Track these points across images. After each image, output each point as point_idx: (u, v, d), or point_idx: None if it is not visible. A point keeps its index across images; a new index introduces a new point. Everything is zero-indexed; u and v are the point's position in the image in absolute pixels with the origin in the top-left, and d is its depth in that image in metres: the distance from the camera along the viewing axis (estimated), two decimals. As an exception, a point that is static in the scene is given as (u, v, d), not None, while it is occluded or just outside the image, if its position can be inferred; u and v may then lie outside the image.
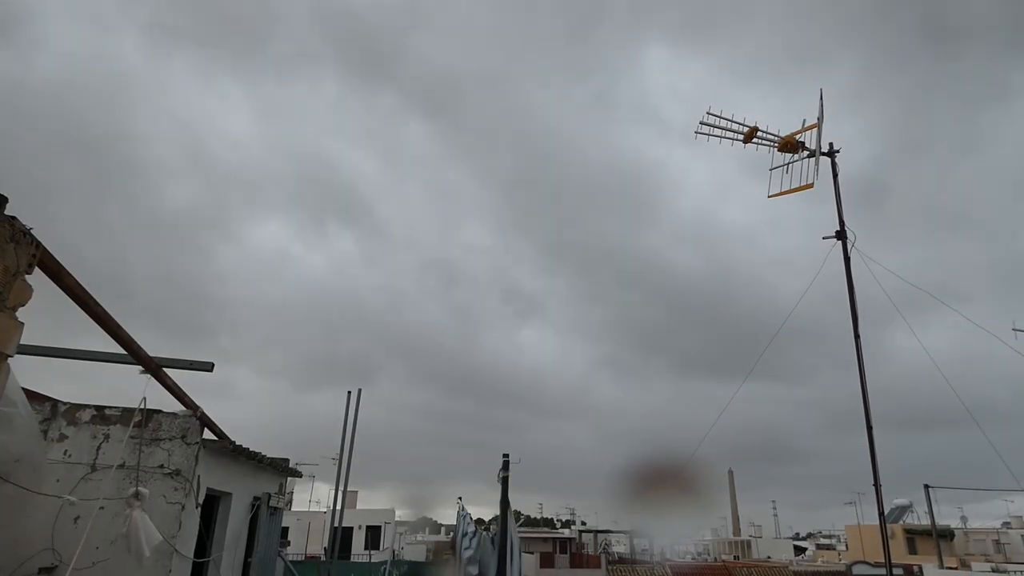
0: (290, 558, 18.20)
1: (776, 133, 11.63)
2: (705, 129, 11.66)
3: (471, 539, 13.73)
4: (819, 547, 64.60)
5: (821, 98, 11.37)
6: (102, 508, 5.47)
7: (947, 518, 45.29)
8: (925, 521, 37.65)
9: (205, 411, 6.64)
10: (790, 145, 11.48)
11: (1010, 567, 31.45)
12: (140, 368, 4.85)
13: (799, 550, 62.07)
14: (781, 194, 11.58)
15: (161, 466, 6.47)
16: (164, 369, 5.31)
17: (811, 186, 11.21)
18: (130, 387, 5.19)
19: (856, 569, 29.69)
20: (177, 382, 5.57)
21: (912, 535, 42.66)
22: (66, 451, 6.50)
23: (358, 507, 38.45)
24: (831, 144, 11.40)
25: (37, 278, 2.87)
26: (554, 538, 45.91)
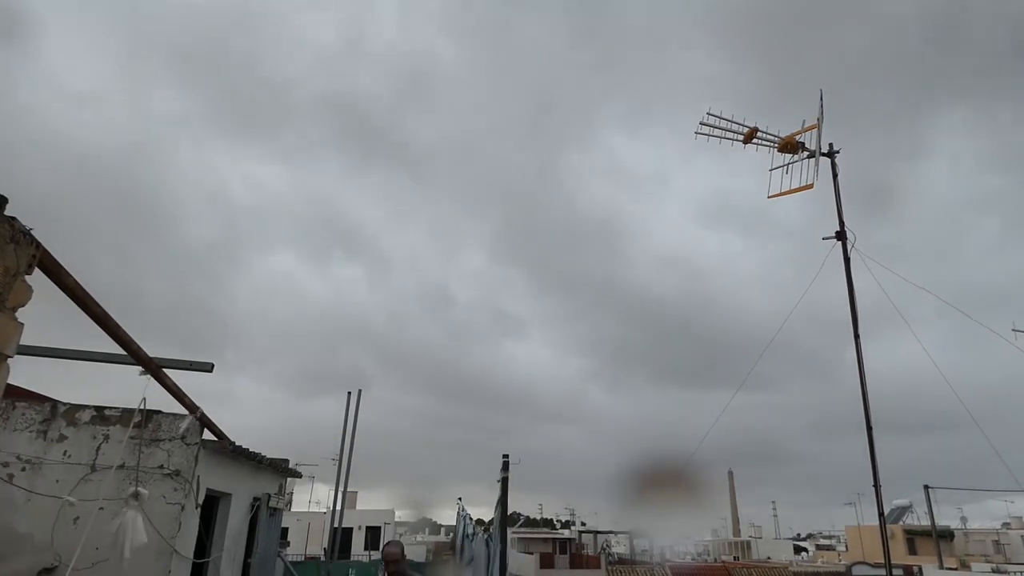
0: (290, 558, 18.18)
1: (776, 134, 11.63)
2: (705, 130, 11.66)
3: (471, 540, 13.72)
4: (819, 548, 64.60)
5: (821, 98, 11.37)
6: (102, 509, 5.47)
7: (947, 519, 45.33)
8: (925, 522, 37.66)
9: (205, 412, 6.64)
10: (790, 146, 11.47)
11: (1010, 568, 31.44)
12: (140, 369, 4.85)
13: (799, 550, 62.06)
14: (781, 194, 11.58)
15: (161, 467, 6.47)
16: (164, 370, 5.31)
17: (811, 186, 11.21)
18: (131, 388, 5.20)
19: (856, 570, 29.69)
20: (178, 385, 5.56)
21: (912, 536, 42.66)
22: (66, 451, 6.50)
23: (358, 508, 38.43)
24: (831, 144, 11.40)
25: (37, 279, 2.87)
26: (554, 539, 45.90)
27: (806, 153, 11.37)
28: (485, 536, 13.90)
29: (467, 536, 13.85)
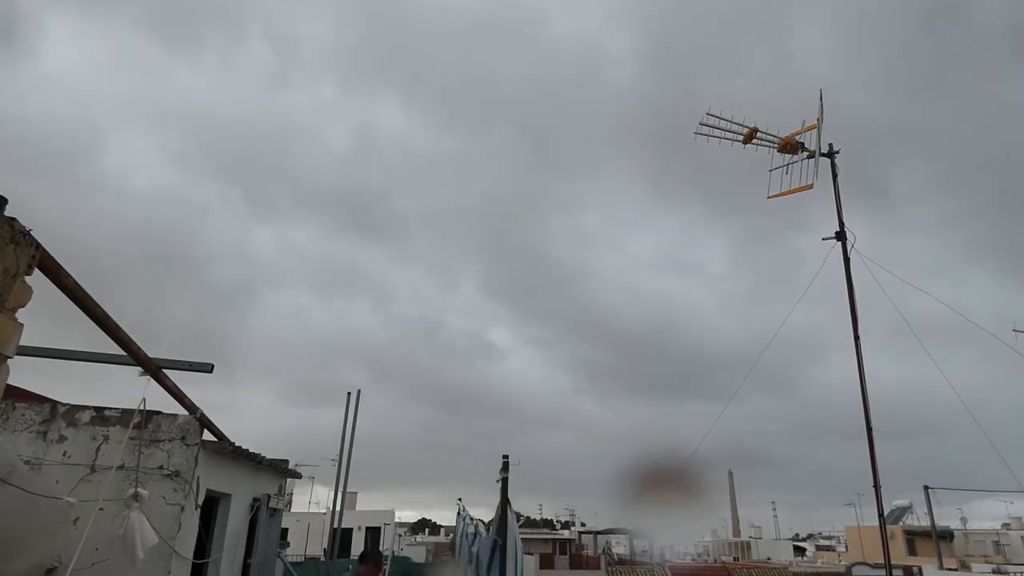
0: (290, 559, 18.17)
1: (776, 134, 11.63)
2: (705, 130, 11.66)
3: (472, 539, 13.72)
4: (819, 548, 64.57)
5: (821, 98, 11.38)
6: (101, 509, 5.46)
7: (947, 519, 45.32)
8: (925, 522, 37.64)
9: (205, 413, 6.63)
10: (790, 146, 11.47)
11: (1010, 568, 31.42)
12: (140, 370, 4.85)
13: (799, 551, 62.04)
14: (781, 195, 11.58)
15: (161, 467, 6.46)
16: (163, 370, 5.31)
17: (811, 186, 11.21)
18: (131, 389, 5.21)
19: (856, 570, 29.66)
20: (182, 389, 5.56)
21: (912, 536, 42.64)
22: (65, 452, 6.49)
23: (358, 508, 38.40)
24: (831, 144, 11.40)
25: (37, 279, 2.86)
26: (554, 539, 45.88)
27: (806, 153, 11.37)
28: (490, 536, 13.88)
29: (466, 536, 13.85)
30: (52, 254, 2.94)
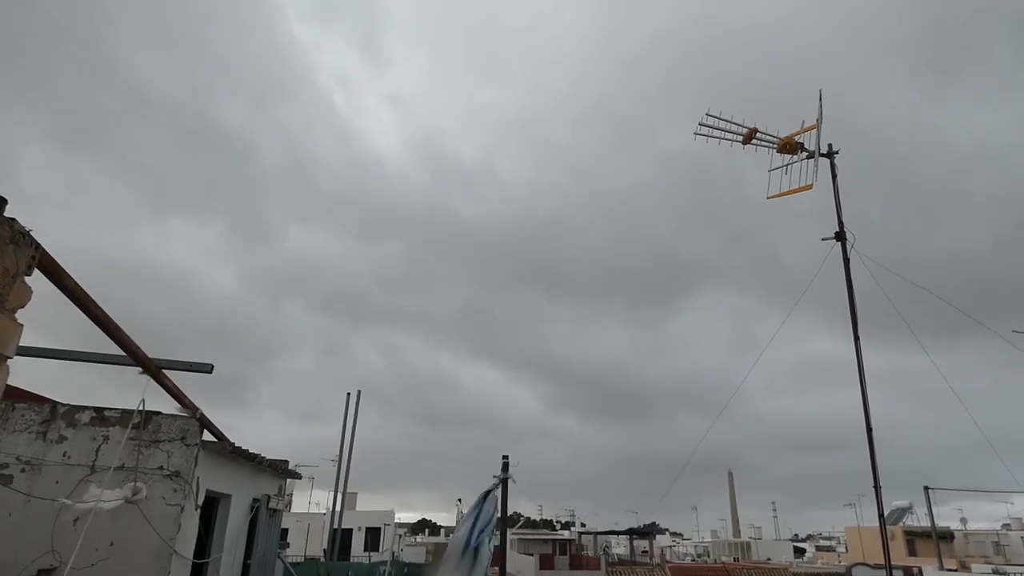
0: (289, 559, 18.16)
1: (775, 134, 11.62)
2: (704, 130, 11.65)
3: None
4: (819, 549, 64.56)
5: (820, 99, 11.37)
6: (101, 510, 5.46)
7: (947, 519, 45.30)
8: (925, 523, 37.62)
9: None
10: (789, 146, 11.46)
11: (1010, 569, 31.39)
12: (139, 370, 4.85)
13: (799, 552, 62.04)
14: (781, 195, 11.57)
15: (161, 467, 6.47)
16: (163, 371, 5.31)
17: (811, 187, 11.20)
18: (131, 389, 5.22)
19: (856, 571, 29.64)
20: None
21: (912, 537, 42.60)
22: (65, 452, 6.50)
23: (357, 509, 38.39)
24: (830, 145, 11.40)
25: (37, 280, 2.86)
26: (554, 540, 45.80)
27: (805, 154, 11.36)
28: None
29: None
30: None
